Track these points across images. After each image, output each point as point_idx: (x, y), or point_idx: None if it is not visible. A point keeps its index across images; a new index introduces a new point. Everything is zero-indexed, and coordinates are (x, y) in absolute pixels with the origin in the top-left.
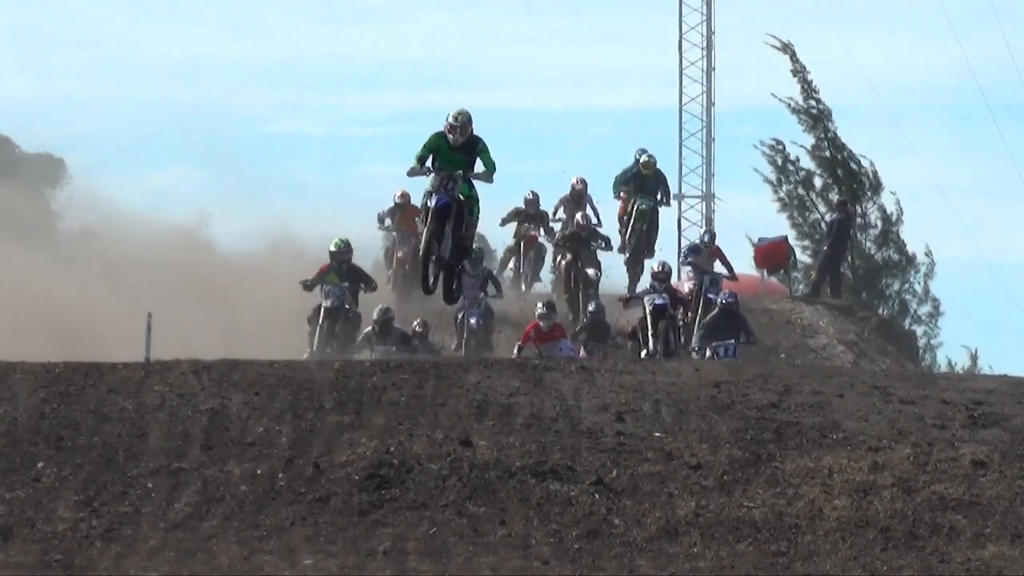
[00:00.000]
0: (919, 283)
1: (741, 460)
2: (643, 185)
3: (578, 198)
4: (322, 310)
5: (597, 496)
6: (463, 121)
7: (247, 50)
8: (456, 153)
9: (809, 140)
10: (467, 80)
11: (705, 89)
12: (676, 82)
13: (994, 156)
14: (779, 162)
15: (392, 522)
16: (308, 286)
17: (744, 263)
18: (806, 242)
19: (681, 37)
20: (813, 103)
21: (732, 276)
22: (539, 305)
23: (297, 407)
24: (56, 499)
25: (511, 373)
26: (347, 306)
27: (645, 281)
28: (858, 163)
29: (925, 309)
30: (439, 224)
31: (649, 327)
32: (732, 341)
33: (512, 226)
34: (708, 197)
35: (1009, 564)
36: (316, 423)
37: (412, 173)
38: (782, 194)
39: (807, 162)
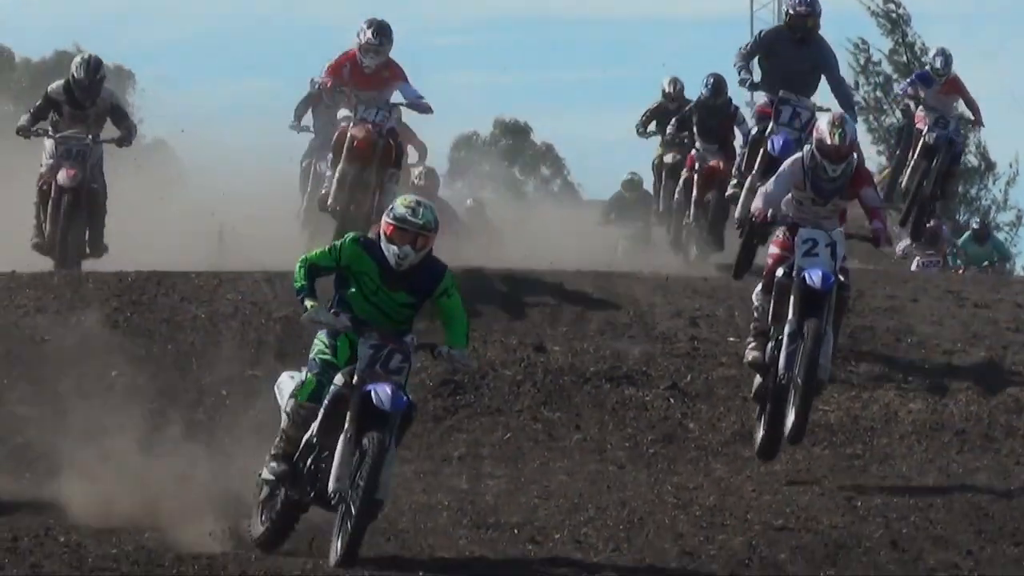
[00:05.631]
0: (999, 190)
1: None
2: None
3: None
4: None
5: (672, 401)
6: (427, 221)
7: None
8: (398, 289)
9: (887, 44)
10: None
11: None
12: None
13: None
14: (861, 62)
15: (467, 428)
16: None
17: None
18: (881, 147)
19: None
20: (892, 6)
21: (977, 118)
22: (364, 28)
23: None
24: (130, 407)
25: (584, 279)
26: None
27: None
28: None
29: (1007, 217)
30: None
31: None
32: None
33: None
34: None
35: None
36: None
37: (311, 319)
38: (859, 97)
39: (885, 66)
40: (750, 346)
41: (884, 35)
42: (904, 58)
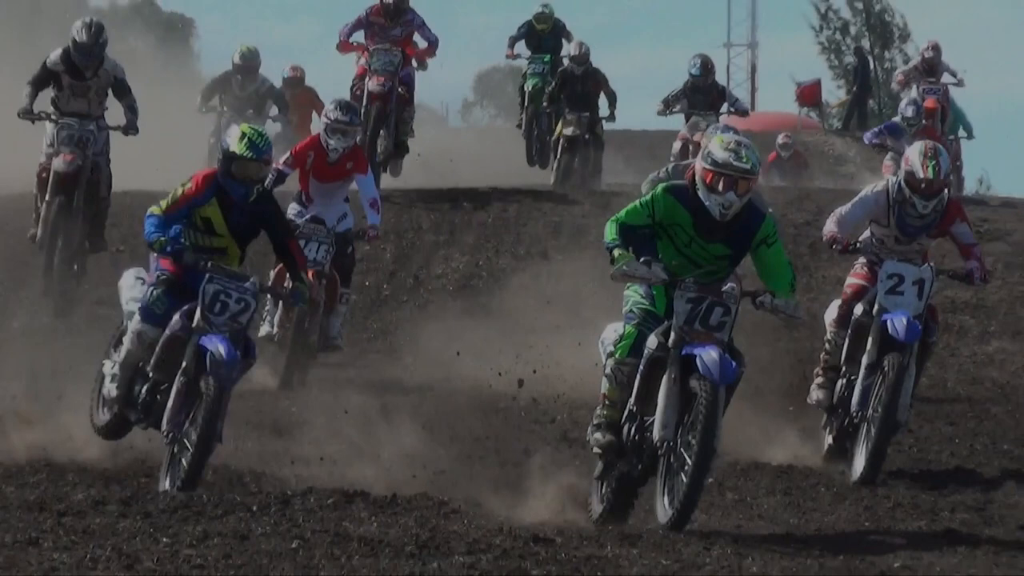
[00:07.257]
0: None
1: None
2: (540, 45)
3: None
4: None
5: None
6: (753, 163)
7: None
8: (714, 240)
9: None
10: None
11: None
12: None
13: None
14: (822, 10)
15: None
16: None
17: (787, 102)
18: (840, 82)
19: None
20: None
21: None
22: (331, 107)
23: (399, 228)
24: None
25: (583, 198)
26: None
27: None
28: (892, 14)
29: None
30: None
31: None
32: None
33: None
34: (753, 45)
35: (1009, 356)
36: (415, 241)
37: (623, 272)
38: (822, 39)
39: (844, 12)
40: (817, 383)
41: None
42: (861, 3)
